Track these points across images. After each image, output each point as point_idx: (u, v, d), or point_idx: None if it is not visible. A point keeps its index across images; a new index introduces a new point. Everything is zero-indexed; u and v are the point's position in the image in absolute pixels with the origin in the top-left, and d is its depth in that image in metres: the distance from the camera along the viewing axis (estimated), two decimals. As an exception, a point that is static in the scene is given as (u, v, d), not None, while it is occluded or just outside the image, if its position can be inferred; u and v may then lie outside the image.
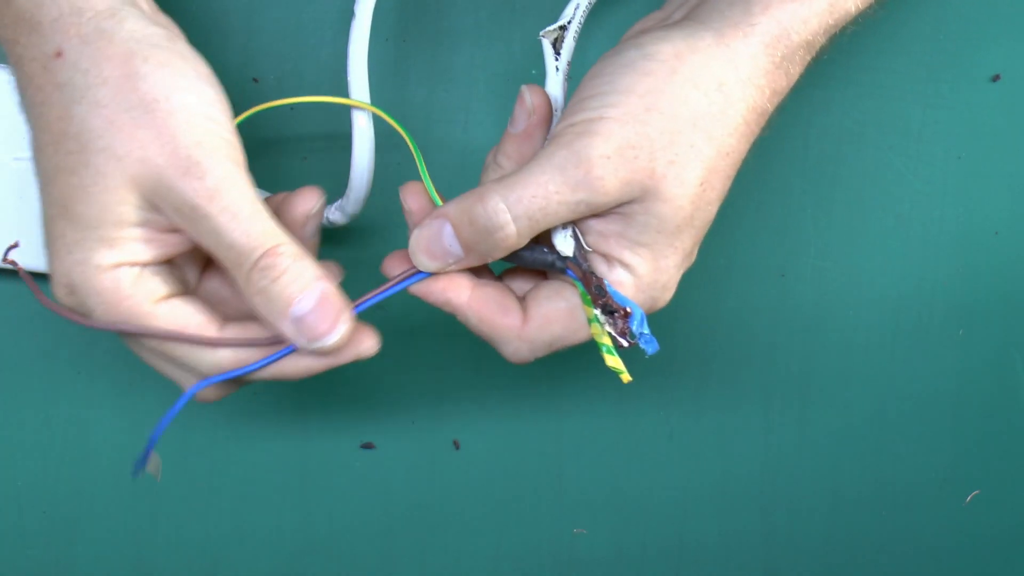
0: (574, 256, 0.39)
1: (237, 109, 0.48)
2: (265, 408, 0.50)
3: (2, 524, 0.50)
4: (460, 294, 0.39)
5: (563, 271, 0.39)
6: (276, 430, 0.50)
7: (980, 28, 0.51)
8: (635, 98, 0.36)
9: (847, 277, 0.52)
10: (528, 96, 0.40)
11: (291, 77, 0.47)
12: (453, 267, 0.39)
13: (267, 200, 0.40)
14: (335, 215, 0.44)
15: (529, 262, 0.39)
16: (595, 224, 0.38)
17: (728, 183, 0.39)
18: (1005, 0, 0.51)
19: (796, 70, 0.39)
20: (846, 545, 0.55)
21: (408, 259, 0.39)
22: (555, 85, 0.43)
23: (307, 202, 0.38)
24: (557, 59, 0.43)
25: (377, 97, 0.43)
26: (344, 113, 0.42)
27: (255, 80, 0.47)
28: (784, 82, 0.38)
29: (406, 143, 0.40)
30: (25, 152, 0.44)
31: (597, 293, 0.38)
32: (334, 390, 0.50)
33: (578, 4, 0.43)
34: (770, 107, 0.38)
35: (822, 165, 0.51)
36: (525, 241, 0.38)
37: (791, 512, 0.54)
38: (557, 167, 0.36)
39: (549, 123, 0.40)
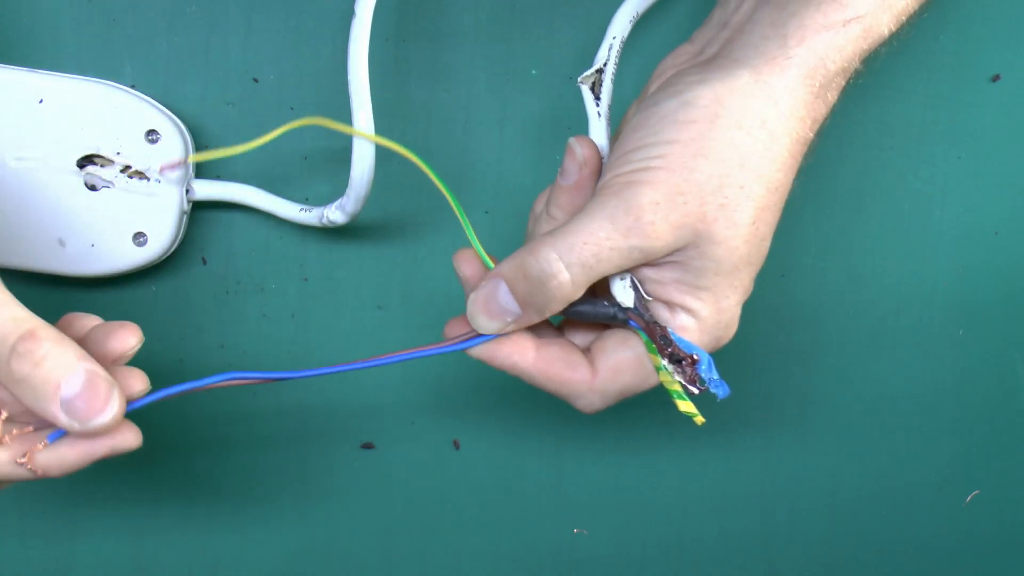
0: (635, 307, 0.39)
1: (237, 109, 0.48)
2: (265, 408, 0.50)
3: (2, 524, 0.50)
4: (525, 356, 0.39)
5: (626, 322, 0.39)
6: (276, 430, 0.50)
7: (980, 28, 0.51)
8: (680, 147, 0.36)
9: (847, 277, 0.52)
10: (578, 148, 0.40)
11: (291, 77, 0.47)
12: (512, 325, 0.39)
13: (69, 322, 0.38)
14: (335, 214, 0.44)
15: (591, 316, 0.39)
16: (652, 273, 0.38)
17: (778, 215, 0.39)
18: (1005, 0, 0.51)
19: (833, 96, 0.39)
20: (846, 545, 0.55)
21: (467, 323, 0.39)
22: (599, 132, 0.43)
23: (123, 341, 0.37)
24: (598, 104, 0.43)
25: (377, 97, 0.43)
26: (344, 112, 0.42)
27: (255, 80, 0.47)
28: (824, 110, 0.39)
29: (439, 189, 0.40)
30: (27, 153, 0.44)
31: (663, 343, 0.38)
32: (334, 390, 0.50)
33: (611, 44, 0.43)
34: (811, 135, 0.39)
35: (822, 165, 0.51)
36: (580, 291, 0.38)
37: (791, 512, 0.54)
38: (607, 215, 0.36)
39: (599, 173, 0.40)
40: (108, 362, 0.37)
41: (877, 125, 0.51)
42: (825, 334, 0.53)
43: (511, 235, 0.50)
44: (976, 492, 0.55)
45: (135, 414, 0.36)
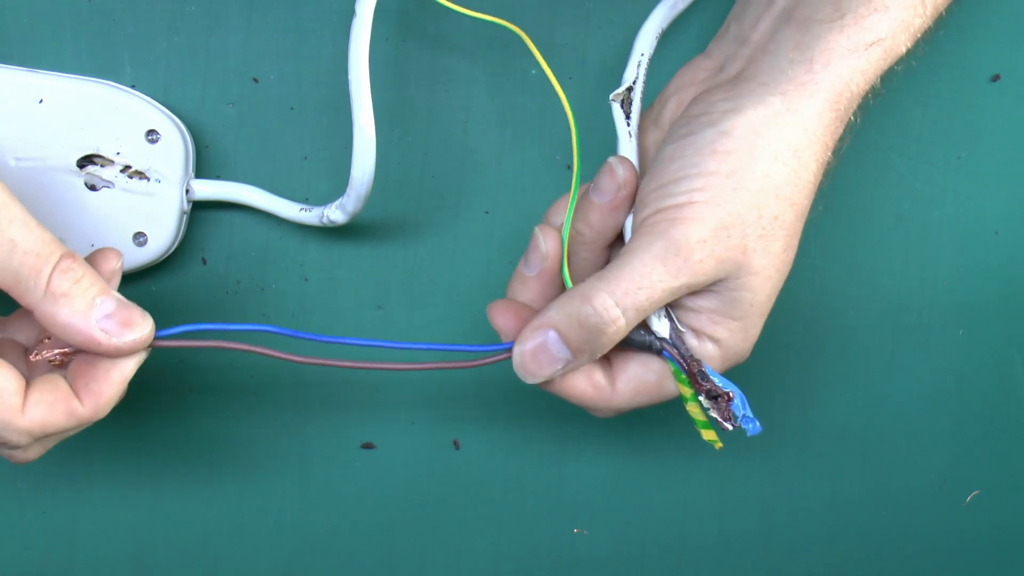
0: (670, 338, 0.39)
1: (237, 109, 0.48)
2: (265, 408, 0.50)
3: (2, 524, 0.50)
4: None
5: (660, 352, 0.39)
6: (276, 430, 0.50)
7: (980, 28, 0.51)
8: (721, 179, 0.37)
9: (847, 277, 0.52)
10: (620, 170, 0.40)
11: (291, 77, 0.47)
12: (562, 372, 0.39)
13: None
14: (335, 214, 0.44)
15: (626, 343, 0.39)
16: (688, 301, 0.39)
17: (800, 236, 0.39)
18: (1005, 0, 0.51)
19: (853, 117, 0.39)
20: (846, 545, 0.55)
21: (515, 313, 0.40)
22: (630, 152, 0.42)
23: (109, 261, 0.39)
24: (628, 123, 0.42)
25: (377, 97, 0.43)
26: (344, 112, 0.43)
27: (255, 80, 0.47)
28: (843, 131, 0.39)
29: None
30: (27, 153, 0.44)
31: (699, 377, 0.39)
32: (334, 390, 0.50)
33: (639, 62, 0.43)
34: (830, 157, 0.39)
35: (822, 165, 0.51)
36: (630, 330, 0.38)
37: (791, 512, 0.54)
38: (657, 257, 0.37)
39: (635, 195, 0.40)
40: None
41: (877, 125, 0.51)
42: (825, 334, 0.53)
43: (511, 235, 0.50)
44: (976, 492, 0.55)
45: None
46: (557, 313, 0.38)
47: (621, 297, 0.37)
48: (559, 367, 0.38)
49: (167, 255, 0.46)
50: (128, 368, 0.37)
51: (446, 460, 0.52)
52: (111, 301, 0.36)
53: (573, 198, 0.41)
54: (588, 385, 0.40)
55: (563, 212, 0.42)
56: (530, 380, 0.39)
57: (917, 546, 0.55)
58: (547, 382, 0.40)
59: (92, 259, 0.39)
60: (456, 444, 0.52)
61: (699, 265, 0.37)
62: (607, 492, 0.53)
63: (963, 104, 0.51)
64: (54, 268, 0.35)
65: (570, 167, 0.49)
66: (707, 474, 0.53)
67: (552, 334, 0.38)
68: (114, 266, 0.39)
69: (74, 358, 0.38)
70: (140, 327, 0.36)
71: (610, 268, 0.38)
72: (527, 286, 0.41)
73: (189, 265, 0.48)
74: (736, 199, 0.37)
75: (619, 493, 0.53)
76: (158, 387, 0.49)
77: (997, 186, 0.52)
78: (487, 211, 0.49)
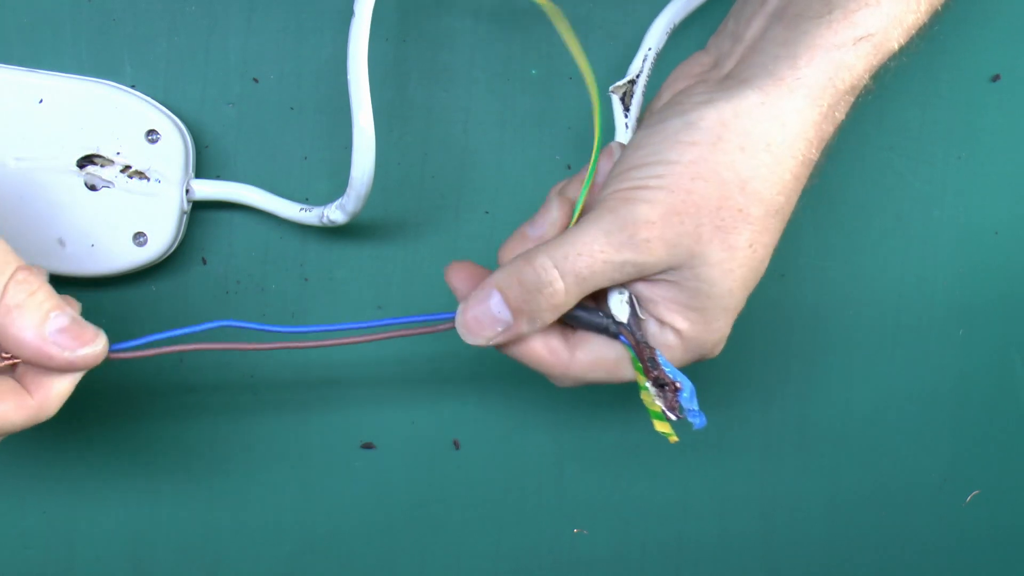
0: (628, 323, 0.39)
1: (237, 109, 0.48)
2: (265, 408, 0.50)
3: (2, 524, 0.50)
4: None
5: (616, 336, 0.39)
6: (276, 430, 0.50)
7: (980, 28, 0.51)
8: (681, 168, 0.37)
9: (847, 277, 0.52)
10: (618, 153, 0.40)
11: (291, 77, 0.47)
12: (501, 336, 0.39)
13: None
14: (335, 214, 0.44)
15: (584, 323, 0.39)
16: (645, 289, 0.39)
17: (778, 237, 0.39)
18: (1005, 0, 0.51)
19: (841, 115, 0.39)
20: (846, 545, 0.55)
21: (470, 274, 0.40)
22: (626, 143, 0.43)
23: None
24: (627, 115, 0.43)
25: (377, 97, 0.43)
26: (344, 112, 0.43)
27: (255, 80, 0.47)
28: (831, 128, 0.38)
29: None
30: (27, 153, 0.44)
31: (650, 365, 0.39)
32: (334, 390, 0.50)
33: (646, 56, 0.43)
34: (818, 156, 0.39)
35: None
36: (573, 301, 0.38)
37: (791, 512, 0.54)
38: (603, 230, 0.37)
39: None
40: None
41: (876, 125, 0.51)
42: (825, 334, 0.53)
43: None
44: (976, 492, 0.55)
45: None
46: (500, 273, 0.38)
47: (560, 260, 0.37)
48: (499, 329, 0.38)
49: (167, 255, 0.46)
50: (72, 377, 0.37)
51: (446, 460, 0.52)
52: (65, 317, 0.35)
53: (590, 175, 0.41)
54: (545, 349, 0.40)
55: (578, 186, 0.42)
56: (471, 341, 0.39)
57: (917, 546, 0.55)
58: (499, 346, 0.40)
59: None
60: (456, 444, 0.52)
61: (644, 245, 0.36)
62: (607, 492, 0.53)
63: (963, 104, 0.51)
64: (9, 279, 0.35)
65: (571, 167, 0.50)
66: (707, 474, 0.53)
67: (496, 295, 0.38)
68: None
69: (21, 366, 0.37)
70: (93, 343, 0.36)
71: (558, 236, 0.38)
72: (525, 245, 0.41)
73: (189, 265, 0.48)
74: (694, 188, 0.36)
75: (619, 493, 0.53)
76: (158, 387, 0.49)
77: (997, 186, 0.52)
78: (487, 211, 0.50)
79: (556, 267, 0.37)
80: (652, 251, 0.37)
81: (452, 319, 0.39)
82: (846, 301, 0.52)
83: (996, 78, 0.51)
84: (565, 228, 0.40)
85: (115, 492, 0.50)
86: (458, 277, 0.40)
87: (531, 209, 0.49)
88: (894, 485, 0.54)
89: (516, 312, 0.38)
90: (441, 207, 0.49)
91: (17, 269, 0.35)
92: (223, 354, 0.49)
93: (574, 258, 0.37)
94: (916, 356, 0.53)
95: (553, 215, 0.40)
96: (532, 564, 0.53)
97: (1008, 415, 0.54)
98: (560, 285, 0.37)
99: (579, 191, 0.41)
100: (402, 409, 0.51)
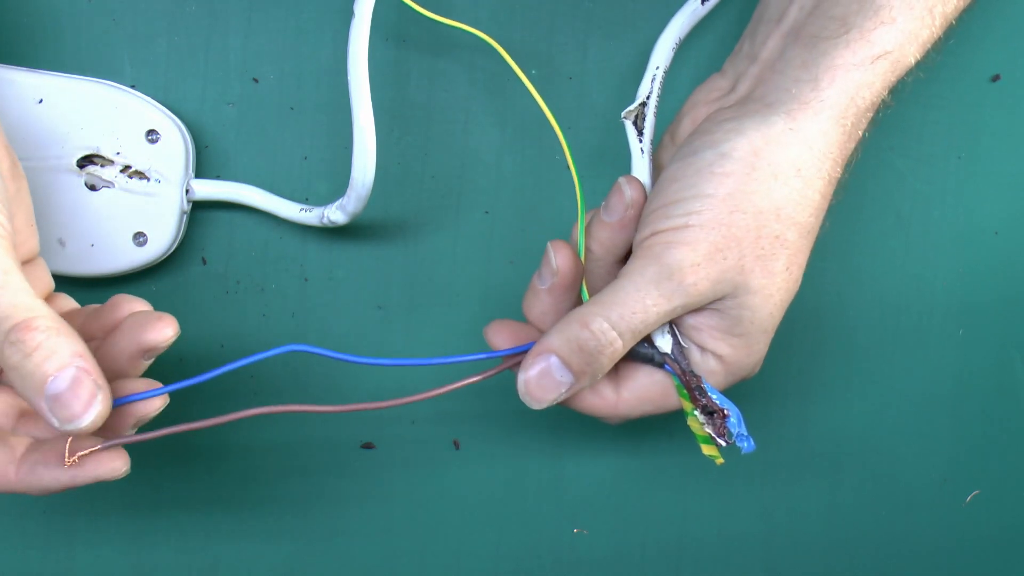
0: (672, 352, 0.40)
1: (237, 109, 0.48)
2: (265, 408, 0.50)
3: (2, 524, 0.50)
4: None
5: (661, 365, 0.40)
6: (276, 430, 0.50)
7: (980, 28, 0.51)
8: (718, 202, 0.37)
9: (847, 277, 0.52)
10: (627, 190, 0.40)
11: (291, 77, 0.47)
12: (566, 395, 0.39)
13: (116, 303, 0.38)
14: (335, 214, 0.44)
15: (629, 356, 0.40)
16: (690, 319, 0.39)
17: (808, 254, 0.39)
18: (1005, 0, 0.51)
19: (863, 131, 0.39)
20: (846, 545, 0.55)
21: (511, 333, 0.40)
22: (642, 170, 0.43)
23: (158, 332, 0.37)
24: (641, 140, 0.42)
25: (377, 97, 0.43)
26: (344, 112, 0.43)
27: (255, 80, 0.47)
28: (853, 145, 0.39)
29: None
30: (27, 153, 0.44)
31: (697, 393, 0.40)
32: (334, 390, 0.50)
33: (654, 76, 0.43)
34: (841, 173, 0.39)
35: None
36: (628, 349, 0.39)
37: (791, 512, 0.54)
38: (651, 281, 0.37)
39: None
40: (140, 353, 0.37)
41: (876, 125, 0.51)
42: (825, 334, 0.53)
43: (511, 235, 0.50)
44: (976, 492, 0.55)
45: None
46: (557, 338, 0.38)
47: (617, 321, 0.38)
48: (563, 391, 0.39)
49: (167, 255, 0.46)
50: (79, 478, 0.35)
51: (446, 460, 0.52)
52: (65, 377, 0.33)
53: (581, 221, 0.41)
54: (596, 398, 0.41)
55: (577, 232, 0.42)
56: (535, 405, 0.39)
57: (917, 546, 0.55)
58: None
59: (139, 324, 0.36)
60: (456, 444, 0.52)
61: (692, 288, 0.37)
62: (607, 492, 0.53)
63: (963, 104, 0.51)
64: (4, 338, 0.33)
65: (571, 168, 0.49)
66: (707, 474, 0.53)
67: (554, 359, 0.38)
68: (159, 340, 0.36)
69: None
70: (88, 414, 0.33)
71: (607, 292, 0.38)
72: (540, 299, 0.41)
73: (189, 265, 0.48)
74: (732, 221, 0.37)
75: (619, 493, 0.53)
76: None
77: (997, 186, 0.52)
78: (487, 211, 0.49)
79: (613, 328, 0.38)
80: (700, 292, 0.37)
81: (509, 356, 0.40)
82: (846, 301, 0.52)
83: (996, 78, 0.51)
84: (569, 273, 0.40)
85: (115, 492, 0.50)
86: (499, 336, 0.41)
87: (531, 209, 0.49)
88: (894, 485, 0.54)
89: (579, 375, 0.38)
90: (441, 207, 0.49)
91: (12, 328, 0.33)
92: (222, 353, 0.49)
93: (629, 317, 0.38)
94: (916, 356, 0.53)
95: (553, 264, 0.40)
96: (532, 564, 0.53)
97: (1008, 415, 0.54)
98: (620, 344, 0.38)
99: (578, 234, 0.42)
100: (402, 409, 0.51)
